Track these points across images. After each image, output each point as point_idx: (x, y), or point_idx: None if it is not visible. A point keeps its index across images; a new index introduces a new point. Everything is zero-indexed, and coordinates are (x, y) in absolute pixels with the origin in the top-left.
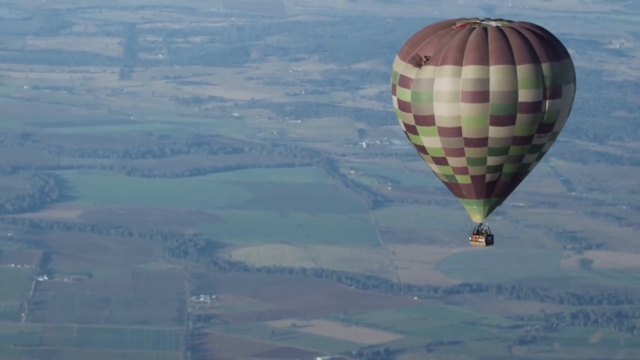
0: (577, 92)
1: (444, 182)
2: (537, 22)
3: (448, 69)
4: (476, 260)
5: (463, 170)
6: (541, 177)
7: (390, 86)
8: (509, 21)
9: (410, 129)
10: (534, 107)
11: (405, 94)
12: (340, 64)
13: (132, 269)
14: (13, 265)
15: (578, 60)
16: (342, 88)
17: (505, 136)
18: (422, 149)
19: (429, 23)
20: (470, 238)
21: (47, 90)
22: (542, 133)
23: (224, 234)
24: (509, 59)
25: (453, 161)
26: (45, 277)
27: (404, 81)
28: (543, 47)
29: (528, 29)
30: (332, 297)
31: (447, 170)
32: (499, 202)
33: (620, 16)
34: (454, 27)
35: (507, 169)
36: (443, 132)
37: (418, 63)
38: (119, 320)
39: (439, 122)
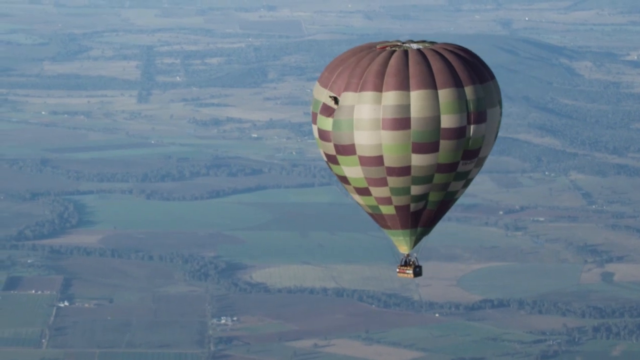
0: (595, 104)
1: (368, 213)
2: (554, 35)
3: (368, 95)
4: (497, 276)
5: (387, 201)
6: (561, 191)
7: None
8: (431, 43)
9: (331, 159)
10: (458, 133)
11: (327, 123)
12: None
13: (152, 293)
14: (34, 291)
15: (595, 73)
16: None
17: (429, 164)
18: (344, 179)
19: (446, 39)
20: (397, 270)
21: (65, 115)
22: (468, 159)
23: (245, 255)
24: (430, 84)
25: (376, 191)
26: (66, 303)
27: (326, 109)
28: (466, 70)
29: (450, 51)
30: (353, 316)
31: (371, 200)
32: (425, 232)
33: (638, 27)
34: (375, 49)
35: (433, 197)
36: (364, 161)
37: (332, 104)
38: (141, 344)
39: (359, 151)
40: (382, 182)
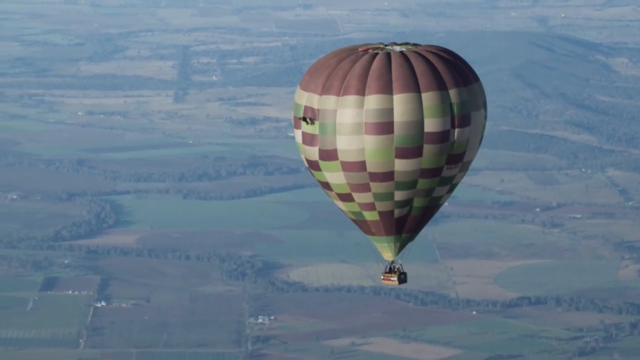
0: (632, 100)
1: (351, 219)
2: (591, 32)
3: (350, 99)
4: (534, 273)
5: (370, 207)
6: (598, 187)
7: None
8: (414, 45)
9: (313, 165)
10: (442, 137)
11: (312, 127)
12: None
13: (190, 293)
14: (71, 292)
15: (632, 69)
16: None
17: (413, 169)
18: (326, 186)
19: (481, 36)
20: (382, 277)
21: (102, 115)
22: (452, 164)
23: (282, 254)
24: (414, 87)
25: (359, 197)
26: (103, 303)
27: (309, 113)
28: (450, 72)
29: (434, 53)
30: (390, 315)
31: (354, 207)
32: (410, 238)
33: None
34: (357, 51)
35: (417, 203)
36: (347, 166)
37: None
38: (178, 344)
39: (342, 157)
40: (365, 188)
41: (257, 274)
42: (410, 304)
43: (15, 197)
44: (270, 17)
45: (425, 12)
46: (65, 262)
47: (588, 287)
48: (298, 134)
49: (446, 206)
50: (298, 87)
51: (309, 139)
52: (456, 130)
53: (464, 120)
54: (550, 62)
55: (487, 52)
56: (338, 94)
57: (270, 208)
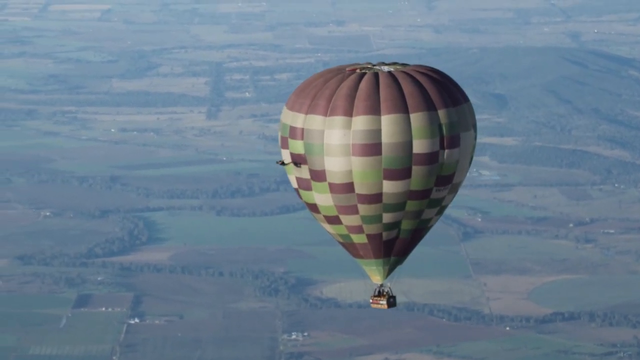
0: None
1: (339, 242)
2: (623, 47)
3: (337, 120)
4: (568, 289)
5: (358, 229)
6: (631, 203)
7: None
8: (403, 64)
9: (304, 184)
10: (431, 159)
11: (298, 146)
12: None
13: (223, 309)
14: (104, 309)
15: None
16: None
17: (401, 191)
18: (313, 208)
19: (514, 52)
20: (370, 301)
21: (135, 132)
22: (441, 186)
23: (315, 270)
24: (402, 108)
25: (346, 219)
26: (137, 320)
27: (294, 132)
28: (438, 93)
29: (422, 73)
30: (423, 330)
31: (341, 229)
32: (399, 262)
33: None
34: (345, 71)
35: (406, 225)
36: (334, 188)
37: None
38: None
39: (330, 178)
40: (353, 210)
41: (290, 290)
42: (444, 319)
43: (48, 214)
44: (303, 34)
45: (458, 28)
46: (99, 279)
47: (621, 302)
48: (286, 154)
49: (479, 222)
50: (284, 107)
51: (299, 159)
52: (445, 151)
53: (453, 142)
54: (583, 77)
55: (520, 68)
56: (325, 114)
57: (303, 224)
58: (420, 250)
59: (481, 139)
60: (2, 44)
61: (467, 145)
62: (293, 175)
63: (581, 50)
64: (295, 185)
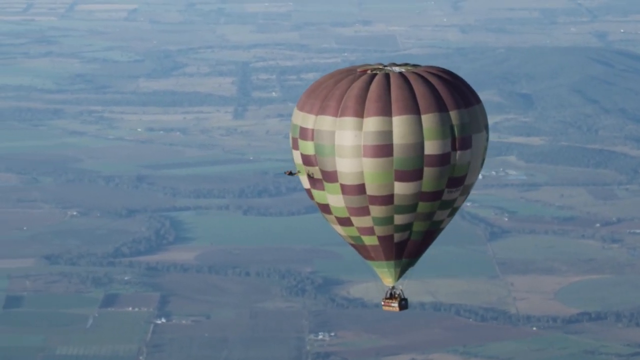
0: None
1: (350, 244)
2: None
3: (348, 121)
4: (594, 289)
5: (369, 231)
6: None
7: (290, 141)
8: (414, 65)
9: (317, 185)
10: (442, 160)
11: (308, 147)
12: None
13: (250, 309)
14: (131, 308)
15: None
16: None
17: (412, 192)
18: (325, 208)
19: (541, 52)
20: (382, 303)
21: (161, 131)
22: (453, 187)
23: (342, 270)
24: (413, 109)
25: (358, 221)
26: (163, 320)
27: (304, 133)
28: (450, 94)
29: (434, 74)
30: (450, 331)
31: (352, 231)
32: (411, 264)
33: None
34: (356, 72)
35: (417, 227)
36: (346, 189)
37: (291, 172)
38: None
39: (341, 179)
40: (364, 212)
41: (317, 290)
42: (471, 320)
43: (75, 213)
44: (330, 34)
45: (484, 27)
46: (125, 278)
47: None
48: (298, 155)
49: (506, 221)
50: (295, 108)
51: (310, 159)
52: (457, 152)
53: (465, 143)
54: (609, 77)
55: (546, 68)
56: (335, 115)
57: (330, 224)
58: (447, 250)
59: (508, 138)
60: (28, 43)
61: (479, 147)
62: (304, 176)
63: (607, 50)
64: (306, 185)
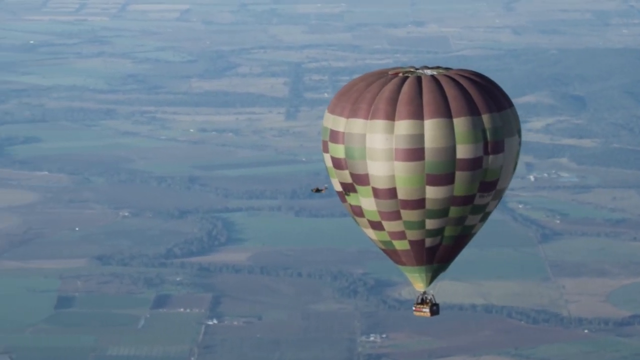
0: None
1: (381, 249)
2: None
3: (379, 124)
4: None
5: (400, 235)
6: None
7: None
8: (446, 69)
9: (349, 188)
10: (474, 164)
11: (339, 150)
12: None
13: (302, 310)
14: (182, 309)
15: None
16: None
17: (444, 196)
18: (358, 211)
19: (593, 54)
20: (414, 308)
21: (214, 132)
22: (485, 192)
23: (393, 272)
24: (445, 112)
25: (389, 225)
26: (215, 321)
27: (335, 136)
28: (482, 97)
29: (466, 77)
30: (502, 333)
31: (383, 235)
32: (442, 269)
33: None
34: (387, 74)
35: (449, 232)
36: (378, 193)
37: (318, 189)
38: None
39: (373, 182)
40: (396, 216)
41: (368, 292)
42: (522, 322)
43: (127, 214)
44: (382, 34)
45: (537, 29)
46: (177, 279)
47: None
48: (328, 158)
49: (558, 223)
50: (326, 111)
51: (340, 162)
52: (489, 157)
53: (498, 147)
54: None
55: (599, 70)
56: (366, 118)
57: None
58: (498, 252)
59: (560, 140)
60: (81, 43)
61: (512, 151)
62: (336, 178)
63: None
64: (338, 188)
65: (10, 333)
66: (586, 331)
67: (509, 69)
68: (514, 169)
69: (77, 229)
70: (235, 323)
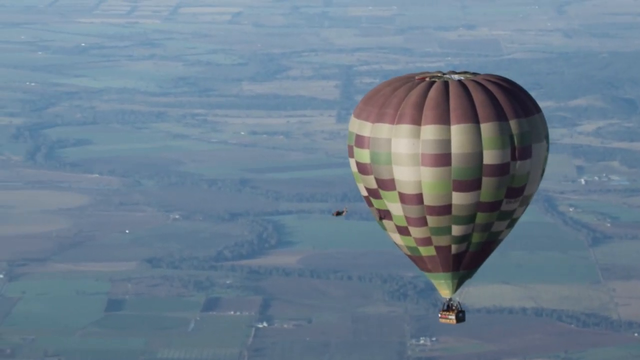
0: None
1: (407, 255)
2: None
3: (405, 128)
4: None
5: (426, 242)
6: None
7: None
8: (473, 74)
9: (374, 194)
10: (501, 170)
11: (364, 155)
12: (557, 100)
13: (351, 313)
14: (232, 312)
15: None
16: (559, 125)
17: (471, 202)
18: (387, 215)
19: None
20: (439, 315)
21: (264, 135)
22: (512, 198)
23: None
24: (472, 117)
25: (415, 231)
26: (265, 324)
27: (360, 141)
28: (510, 103)
29: (493, 82)
30: (552, 336)
31: (410, 241)
32: (468, 275)
33: None
34: (414, 79)
35: (475, 238)
36: (404, 198)
37: (339, 212)
38: None
39: (399, 187)
40: (422, 222)
41: (418, 295)
42: (572, 325)
43: (177, 217)
44: (433, 37)
45: (588, 32)
46: (227, 282)
47: None
48: (353, 163)
49: (608, 227)
50: (352, 116)
51: (365, 167)
52: (517, 162)
53: (525, 153)
54: None
55: None
56: (392, 122)
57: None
58: (549, 256)
59: (611, 143)
60: (132, 46)
61: (539, 157)
62: (362, 183)
63: None
64: (364, 193)
65: (61, 336)
66: (636, 334)
67: (560, 72)
68: (542, 175)
69: (127, 231)
70: (285, 326)
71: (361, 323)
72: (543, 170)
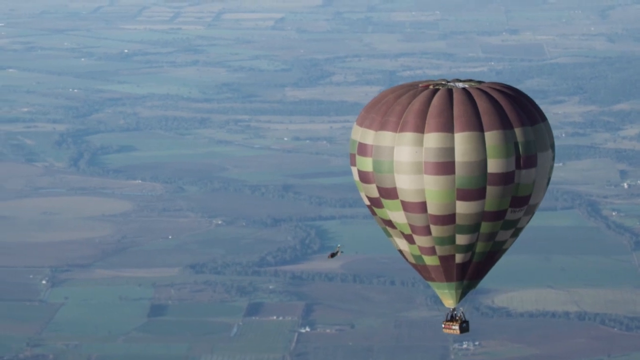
0: None
1: (411, 264)
2: None
3: (408, 136)
4: None
5: (430, 251)
6: None
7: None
8: (478, 82)
9: (375, 203)
10: (506, 179)
11: (366, 163)
12: (600, 105)
13: (394, 318)
14: (275, 317)
15: None
16: (602, 129)
17: (475, 212)
18: (389, 224)
19: None
20: (443, 325)
21: (307, 140)
22: (517, 207)
23: (486, 279)
24: (476, 125)
25: (419, 240)
26: (308, 329)
27: (363, 149)
28: (515, 110)
29: (498, 90)
30: (595, 340)
31: (414, 249)
32: (472, 285)
33: None
34: (418, 87)
35: (480, 248)
36: (407, 207)
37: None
38: None
39: (402, 196)
40: (426, 231)
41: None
42: (615, 329)
43: (220, 222)
44: (477, 42)
45: (632, 36)
46: (270, 287)
47: None
48: (355, 171)
49: None
50: (354, 124)
51: (367, 176)
52: (522, 171)
53: (530, 161)
54: None
55: None
56: (395, 130)
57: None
58: (591, 260)
59: None
60: (175, 52)
61: (545, 166)
62: (363, 192)
63: None
64: (367, 202)
65: (104, 341)
66: None
67: (604, 76)
68: (547, 184)
69: (170, 237)
70: (328, 331)
71: (404, 328)
72: (549, 180)
